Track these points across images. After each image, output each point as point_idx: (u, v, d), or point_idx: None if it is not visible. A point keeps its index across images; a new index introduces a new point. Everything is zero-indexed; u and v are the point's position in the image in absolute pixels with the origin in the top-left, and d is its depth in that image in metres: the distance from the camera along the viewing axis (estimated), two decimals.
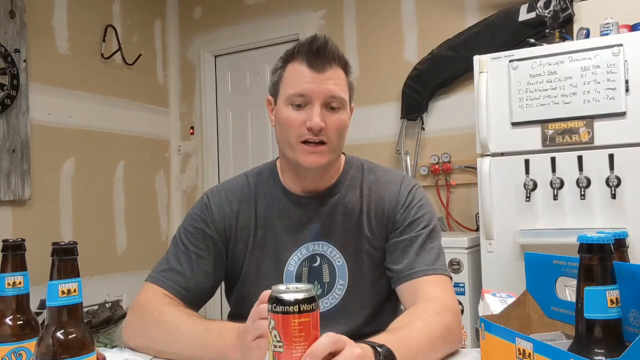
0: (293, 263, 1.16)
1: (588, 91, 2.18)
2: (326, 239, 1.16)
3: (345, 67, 1.12)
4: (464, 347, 1.08)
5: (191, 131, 4.01)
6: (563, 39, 2.50)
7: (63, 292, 0.64)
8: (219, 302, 3.55)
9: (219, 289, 1.25)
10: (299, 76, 1.08)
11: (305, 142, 1.08)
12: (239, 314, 1.19)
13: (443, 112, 3.13)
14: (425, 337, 0.91)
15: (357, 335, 1.12)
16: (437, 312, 0.98)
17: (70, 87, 3.27)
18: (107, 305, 3.32)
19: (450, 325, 0.99)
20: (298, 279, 1.15)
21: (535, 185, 2.26)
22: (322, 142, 1.08)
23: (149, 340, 1.03)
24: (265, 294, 0.80)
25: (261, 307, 0.79)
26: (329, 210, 1.17)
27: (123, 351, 1.06)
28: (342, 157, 1.22)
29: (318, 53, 1.07)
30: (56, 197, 3.19)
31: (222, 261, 1.18)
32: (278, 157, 1.23)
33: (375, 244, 1.17)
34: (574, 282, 0.63)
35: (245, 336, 0.85)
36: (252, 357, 0.83)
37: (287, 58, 1.12)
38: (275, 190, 1.19)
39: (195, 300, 1.15)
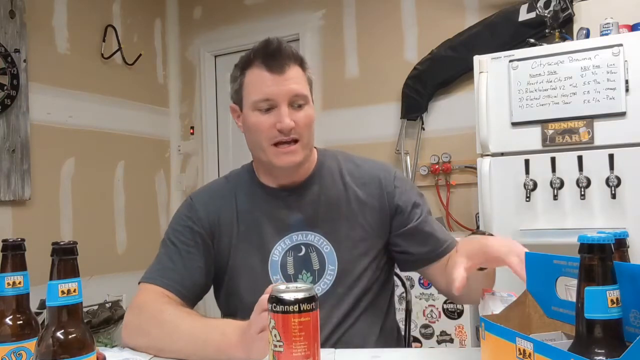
0: (277, 253, 1.18)
1: (588, 91, 2.18)
2: (311, 228, 1.19)
3: (302, 63, 1.16)
4: (464, 347, 1.09)
5: (191, 131, 4.01)
6: (563, 39, 2.50)
7: (63, 292, 0.64)
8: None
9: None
10: (261, 81, 1.11)
11: (276, 144, 1.12)
12: (230, 312, 1.21)
13: (443, 112, 3.13)
14: None
15: (350, 316, 1.16)
16: None
17: (70, 87, 3.27)
18: (107, 305, 3.32)
19: None
20: (283, 268, 1.18)
21: (535, 185, 2.26)
22: (294, 141, 1.12)
23: (150, 340, 1.04)
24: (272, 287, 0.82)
25: (265, 298, 0.80)
26: (310, 200, 1.20)
27: (123, 351, 1.06)
28: (315, 150, 1.26)
29: (274, 55, 1.11)
30: (56, 197, 3.19)
31: (210, 256, 1.21)
32: (252, 160, 1.27)
33: (368, 227, 1.20)
34: (575, 282, 0.63)
35: (249, 329, 0.86)
36: (256, 350, 0.84)
37: (244, 65, 1.15)
38: (254, 187, 1.23)
39: (191, 295, 1.17)
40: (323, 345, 0.93)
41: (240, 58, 1.18)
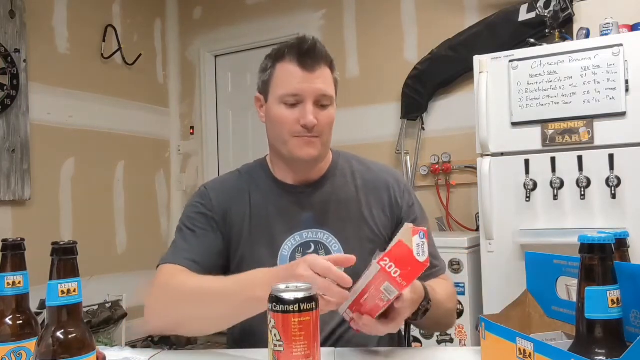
0: (287, 248, 1.19)
1: (588, 91, 2.18)
2: (320, 226, 1.20)
3: (331, 65, 1.18)
4: (464, 347, 1.09)
5: (191, 131, 4.01)
6: (563, 39, 2.50)
7: (63, 292, 0.64)
8: None
9: None
10: (291, 76, 1.13)
11: (298, 136, 1.14)
12: None
13: (443, 112, 3.13)
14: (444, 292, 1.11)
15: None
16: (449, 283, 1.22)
17: (70, 87, 3.27)
18: (107, 305, 3.32)
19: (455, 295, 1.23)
20: None
21: (535, 185, 2.26)
22: (314, 136, 1.14)
23: (178, 311, 1.03)
24: (341, 257, 0.91)
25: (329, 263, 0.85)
26: (322, 199, 1.22)
27: (123, 351, 1.06)
28: (330, 151, 1.28)
29: (309, 53, 1.13)
30: (56, 197, 3.19)
31: (225, 239, 1.21)
32: (267, 155, 1.29)
33: (376, 229, 1.22)
34: (575, 281, 0.62)
35: (294, 266, 0.87)
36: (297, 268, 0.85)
37: (277, 57, 1.17)
38: (267, 182, 1.25)
39: (208, 272, 1.16)
40: (323, 345, 0.93)
41: (272, 50, 1.20)
